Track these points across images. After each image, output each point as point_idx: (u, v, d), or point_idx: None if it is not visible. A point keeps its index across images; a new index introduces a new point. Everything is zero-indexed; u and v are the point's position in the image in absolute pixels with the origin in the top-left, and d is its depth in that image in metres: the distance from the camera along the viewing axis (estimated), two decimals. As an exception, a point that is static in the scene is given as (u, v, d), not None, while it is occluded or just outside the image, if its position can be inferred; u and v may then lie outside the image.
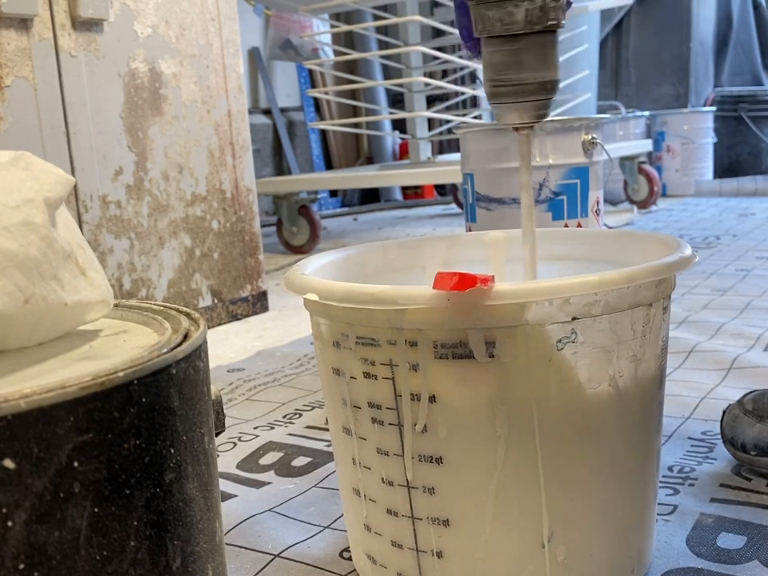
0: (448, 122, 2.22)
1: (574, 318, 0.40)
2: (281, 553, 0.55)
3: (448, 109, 2.72)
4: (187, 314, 0.34)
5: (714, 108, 3.09)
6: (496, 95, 0.49)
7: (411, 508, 0.44)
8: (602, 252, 0.57)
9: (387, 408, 0.43)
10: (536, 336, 0.40)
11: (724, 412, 0.64)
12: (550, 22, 0.47)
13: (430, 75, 2.62)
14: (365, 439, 0.45)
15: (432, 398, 0.42)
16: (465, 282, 0.38)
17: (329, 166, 3.61)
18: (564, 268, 0.59)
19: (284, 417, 0.84)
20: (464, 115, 2.29)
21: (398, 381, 0.42)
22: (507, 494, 0.42)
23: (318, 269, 0.52)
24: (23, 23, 1.04)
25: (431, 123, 2.36)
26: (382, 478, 0.45)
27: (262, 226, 2.46)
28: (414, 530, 0.44)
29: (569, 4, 0.48)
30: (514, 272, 0.61)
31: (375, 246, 0.59)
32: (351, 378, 0.45)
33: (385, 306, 0.40)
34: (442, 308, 0.39)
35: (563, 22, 0.48)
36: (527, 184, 0.53)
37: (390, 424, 0.43)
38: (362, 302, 0.41)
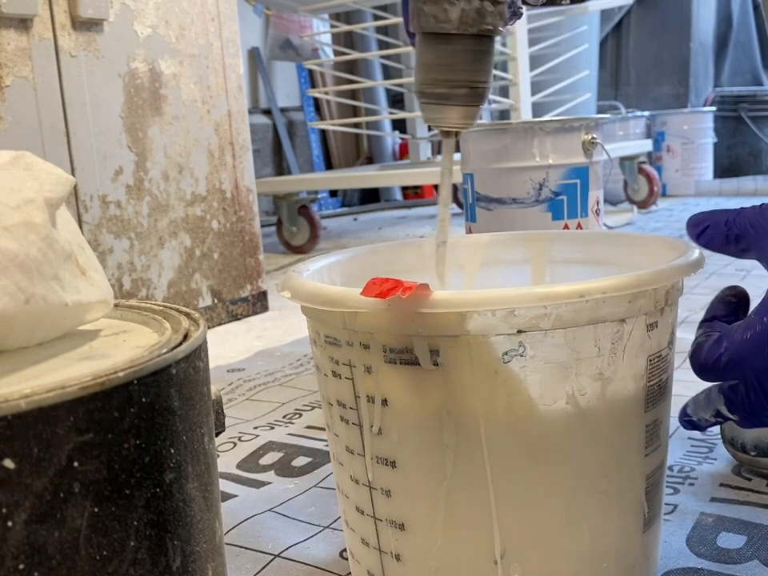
0: (448, 121, 2.21)
1: (519, 331, 0.38)
2: (281, 553, 0.55)
3: (448, 109, 2.72)
4: (187, 314, 0.34)
5: (714, 108, 3.09)
6: (425, 95, 0.47)
7: (373, 508, 0.44)
8: (631, 258, 0.55)
9: (350, 408, 0.44)
10: (480, 347, 0.38)
11: (724, 412, 0.64)
12: (485, 26, 0.45)
13: (430, 75, 2.61)
14: (338, 436, 0.46)
15: (384, 401, 0.41)
16: (387, 289, 0.37)
17: (329, 166, 3.61)
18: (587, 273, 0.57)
19: (284, 417, 0.84)
20: (464, 115, 2.28)
21: (356, 382, 0.43)
22: (457, 504, 0.41)
23: (315, 271, 0.52)
24: (23, 23, 1.04)
25: (431, 123, 2.35)
26: (351, 476, 0.45)
27: (262, 225, 2.45)
28: (377, 530, 0.44)
29: (515, 15, 0.46)
30: (490, 276, 0.61)
31: (362, 250, 0.59)
32: (324, 375, 0.46)
33: (336, 307, 0.40)
34: (389, 313, 0.39)
35: (501, 29, 0.46)
36: (446, 196, 0.51)
37: (353, 423, 0.44)
38: (319, 303, 0.41)
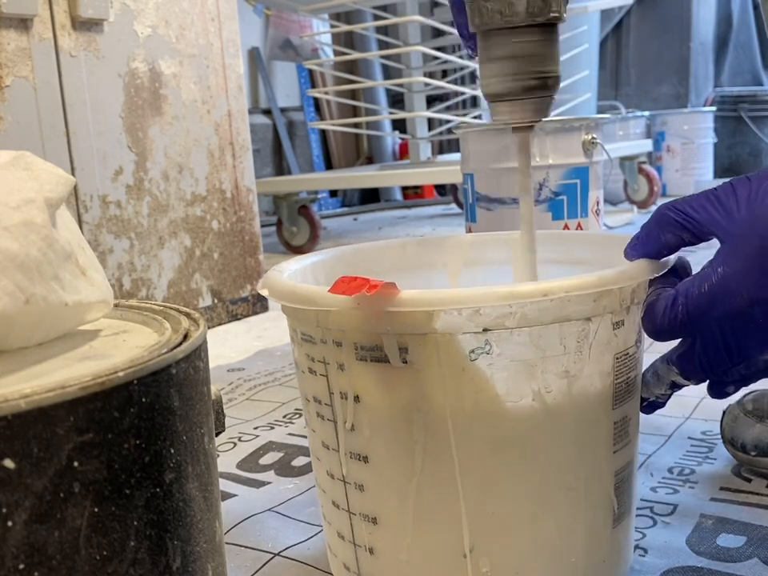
0: (448, 121, 2.22)
1: (485, 329, 0.39)
2: (280, 552, 0.55)
3: (448, 109, 2.72)
4: (187, 314, 0.34)
5: (714, 108, 3.09)
6: (495, 93, 0.46)
7: (348, 502, 0.45)
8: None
9: (325, 404, 0.44)
10: (447, 345, 0.39)
11: (724, 412, 0.64)
12: (552, 14, 0.44)
13: (430, 75, 2.61)
14: (315, 432, 0.47)
15: (356, 398, 0.42)
16: (353, 287, 0.38)
17: (329, 166, 3.61)
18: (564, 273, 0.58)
19: (284, 417, 0.84)
20: (464, 115, 2.29)
21: (330, 378, 0.43)
22: (427, 499, 0.42)
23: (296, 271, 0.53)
24: (23, 23, 1.04)
25: (431, 123, 2.36)
26: (327, 471, 0.46)
27: (262, 225, 2.45)
28: (351, 524, 0.45)
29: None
30: (473, 276, 0.61)
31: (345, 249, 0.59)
32: (302, 372, 0.46)
33: (308, 305, 0.41)
34: (359, 311, 0.39)
35: (565, 14, 0.45)
36: (527, 188, 0.51)
37: (328, 419, 0.45)
38: (293, 301, 0.42)
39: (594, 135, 1.06)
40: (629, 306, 0.42)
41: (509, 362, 0.40)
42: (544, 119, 0.48)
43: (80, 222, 1.12)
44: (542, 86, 0.46)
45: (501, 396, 0.40)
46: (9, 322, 0.29)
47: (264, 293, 0.45)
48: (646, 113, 2.98)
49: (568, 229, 1.06)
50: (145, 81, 1.21)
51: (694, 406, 0.77)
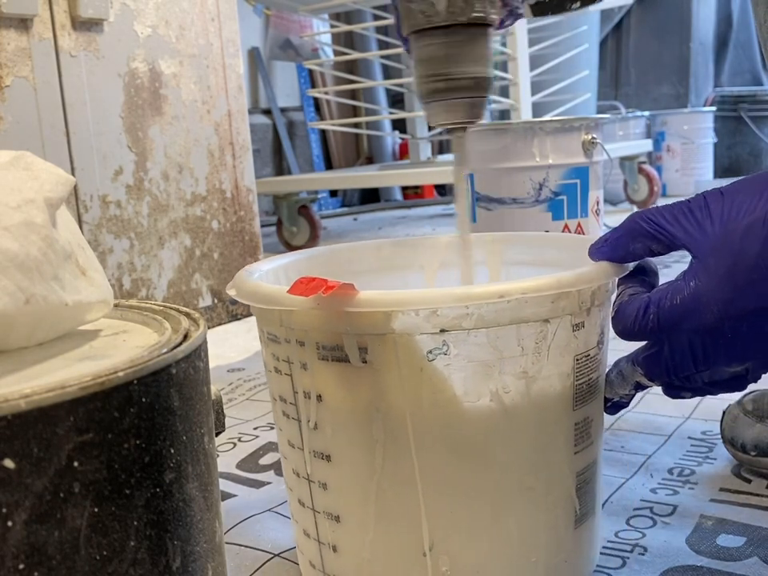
0: (448, 122, 2.21)
1: (442, 330, 0.39)
2: (280, 553, 0.55)
3: (448, 109, 2.72)
4: (187, 314, 0.34)
5: (714, 108, 3.09)
6: (427, 92, 0.46)
7: (312, 501, 0.45)
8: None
9: (290, 403, 0.45)
10: (405, 345, 0.40)
11: (724, 412, 0.64)
12: (475, 14, 0.44)
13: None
14: (282, 430, 0.47)
15: (319, 397, 0.43)
16: (310, 288, 0.39)
17: (329, 166, 3.61)
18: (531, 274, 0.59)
19: (284, 417, 0.84)
20: (464, 115, 2.28)
21: (294, 378, 0.44)
22: (387, 498, 0.42)
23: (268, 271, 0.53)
24: (23, 23, 1.04)
25: (431, 123, 2.35)
26: (293, 469, 0.47)
27: (262, 225, 2.45)
28: (316, 521, 0.46)
29: (513, 14, 0.45)
30: (448, 277, 0.61)
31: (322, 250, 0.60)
32: (269, 371, 0.47)
33: (272, 305, 0.42)
34: (320, 311, 0.40)
35: (494, 16, 0.45)
36: (462, 190, 0.51)
37: (293, 418, 0.45)
38: (258, 301, 0.43)
39: (594, 135, 1.06)
40: (589, 308, 0.43)
41: (466, 362, 0.40)
42: (478, 121, 0.48)
43: (80, 222, 1.12)
44: (474, 87, 0.46)
45: (458, 396, 0.41)
46: (9, 321, 0.29)
47: (232, 293, 0.46)
48: (646, 113, 2.98)
49: (568, 229, 1.06)
50: (145, 81, 1.21)
51: (694, 405, 0.77)
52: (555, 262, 0.57)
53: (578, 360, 0.43)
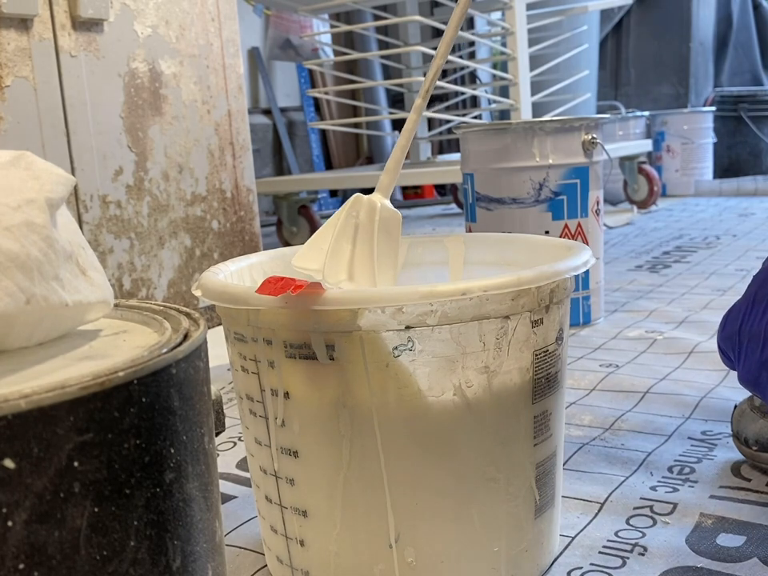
0: (448, 121, 2.22)
1: (408, 327, 0.40)
2: (281, 553, 0.55)
3: (448, 109, 2.72)
4: (187, 314, 0.34)
5: (713, 108, 3.09)
6: None
7: (279, 496, 0.46)
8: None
9: (257, 401, 0.46)
10: (371, 342, 0.41)
11: (735, 406, 0.64)
12: None
13: (430, 75, 2.61)
14: (248, 428, 0.48)
15: (286, 394, 0.44)
16: (278, 287, 0.39)
17: (329, 166, 3.61)
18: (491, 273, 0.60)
19: (284, 417, 0.84)
20: (464, 115, 2.29)
21: (261, 376, 0.45)
22: (354, 492, 0.43)
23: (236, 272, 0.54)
24: (23, 23, 1.04)
25: (431, 123, 2.36)
26: (260, 466, 0.47)
27: (262, 225, 2.46)
28: (283, 517, 0.46)
29: None
30: (410, 277, 0.62)
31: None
32: (236, 370, 0.48)
33: (239, 305, 0.42)
34: (287, 310, 0.41)
35: None
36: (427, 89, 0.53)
37: (260, 416, 0.46)
38: (225, 301, 0.43)
39: (594, 135, 1.06)
40: (548, 305, 0.44)
41: (431, 358, 0.41)
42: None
43: (80, 222, 1.12)
44: None
45: (423, 391, 0.42)
46: (9, 321, 0.29)
47: (197, 293, 0.46)
48: (646, 113, 2.97)
49: (568, 229, 1.06)
50: (145, 81, 1.21)
51: (694, 405, 0.77)
52: (515, 262, 0.59)
53: (537, 355, 0.45)
